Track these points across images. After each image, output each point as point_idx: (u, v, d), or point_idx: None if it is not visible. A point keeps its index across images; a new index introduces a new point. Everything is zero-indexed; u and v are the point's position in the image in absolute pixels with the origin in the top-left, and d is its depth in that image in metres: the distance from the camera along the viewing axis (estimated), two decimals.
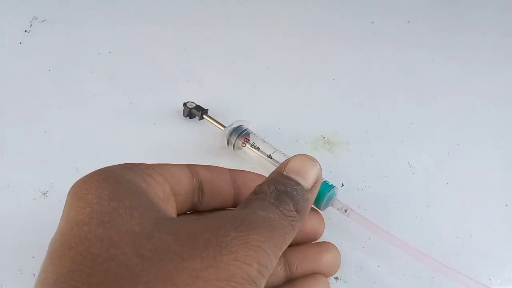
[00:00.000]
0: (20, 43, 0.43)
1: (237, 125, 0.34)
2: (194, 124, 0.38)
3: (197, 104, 0.37)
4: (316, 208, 0.29)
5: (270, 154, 0.32)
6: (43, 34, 0.44)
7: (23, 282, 0.30)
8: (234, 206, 0.29)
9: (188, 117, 0.37)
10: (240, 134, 0.34)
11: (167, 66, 0.42)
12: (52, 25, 0.45)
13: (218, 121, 0.36)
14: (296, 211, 0.23)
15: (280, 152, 0.33)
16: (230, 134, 0.34)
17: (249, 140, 0.33)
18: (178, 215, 0.27)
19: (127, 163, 0.23)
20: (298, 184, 0.24)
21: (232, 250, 0.18)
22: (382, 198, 0.34)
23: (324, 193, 0.28)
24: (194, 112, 0.37)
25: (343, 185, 0.35)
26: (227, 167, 0.28)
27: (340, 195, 0.35)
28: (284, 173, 0.24)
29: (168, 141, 0.36)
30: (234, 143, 0.34)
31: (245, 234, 0.19)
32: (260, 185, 0.24)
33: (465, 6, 0.48)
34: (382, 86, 0.41)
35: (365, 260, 0.31)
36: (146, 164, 0.24)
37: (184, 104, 0.37)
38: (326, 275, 0.28)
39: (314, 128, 0.38)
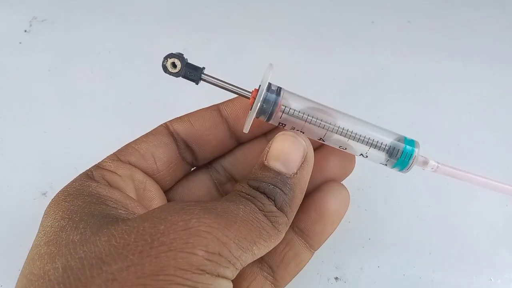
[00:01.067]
0: (20, 43, 0.43)
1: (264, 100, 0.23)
2: None
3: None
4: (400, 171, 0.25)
5: (321, 138, 0.24)
6: (43, 34, 0.44)
7: None
8: (237, 143, 0.27)
9: (174, 75, 0.23)
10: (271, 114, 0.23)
11: None
12: (52, 25, 0.45)
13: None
14: (278, 207, 0.21)
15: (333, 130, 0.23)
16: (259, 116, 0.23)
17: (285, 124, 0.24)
18: (180, 180, 0.26)
19: (90, 169, 0.23)
20: (278, 174, 0.21)
21: (167, 240, 0.17)
22: (382, 198, 0.34)
23: (410, 155, 0.24)
24: (189, 70, 0.23)
25: None
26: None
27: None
28: (265, 162, 0.22)
29: None
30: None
31: (190, 218, 0.17)
32: (239, 182, 0.22)
33: (465, 6, 0.48)
34: (382, 86, 0.41)
35: (365, 260, 0.31)
36: (111, 156, 0.24)
37: (168, 58, 0.23)
38: (339, 179, 0.26)
39: None
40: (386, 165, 0.25)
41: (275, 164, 0.21)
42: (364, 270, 0.30)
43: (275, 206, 0.21)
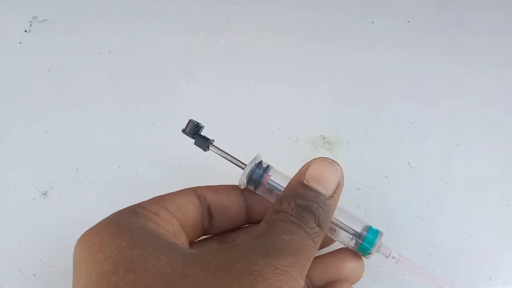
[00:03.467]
0: (20, 43, 0.43)
1: (255, 166, 0.27)
2: None
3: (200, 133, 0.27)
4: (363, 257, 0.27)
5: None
6: (43, 34, 0.44)
7: (22, 282, 0.30)
8: (247, 223, 0.28)
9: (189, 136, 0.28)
10: (260, 178, 0.27)
11: (167, 66, 0.42)
12: (52, 25, 0.45)
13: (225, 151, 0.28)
14: (318, 225, 0.22)
15: None
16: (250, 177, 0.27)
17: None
18: (190, 244, 0.26)
19: (130, 207, 0.23)
20: (318, 193, 0.23)
21: (265, 277, 0.19)
22: (382, 198, 0.34)
23: (374, 241, 0.27)
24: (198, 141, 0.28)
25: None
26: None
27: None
28: (304, 181, 0.23)
29: (168, 140, 0.36)
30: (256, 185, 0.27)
31: (273, 261, 0.19)
32: (280, 200, 0.23)
33: (465, 6, 0.48)
34: (382, 86, 0.41)
35: (365, 260, 0.31)
36: (149, 200, 0.24)
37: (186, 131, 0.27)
38: (351, 282, 0.27)
39: (314, 128, 0.38)
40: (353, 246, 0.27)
41: (315, 184, 0.23)
42: (364, 270, 0.30)
43: (317, 224, 0.22)
